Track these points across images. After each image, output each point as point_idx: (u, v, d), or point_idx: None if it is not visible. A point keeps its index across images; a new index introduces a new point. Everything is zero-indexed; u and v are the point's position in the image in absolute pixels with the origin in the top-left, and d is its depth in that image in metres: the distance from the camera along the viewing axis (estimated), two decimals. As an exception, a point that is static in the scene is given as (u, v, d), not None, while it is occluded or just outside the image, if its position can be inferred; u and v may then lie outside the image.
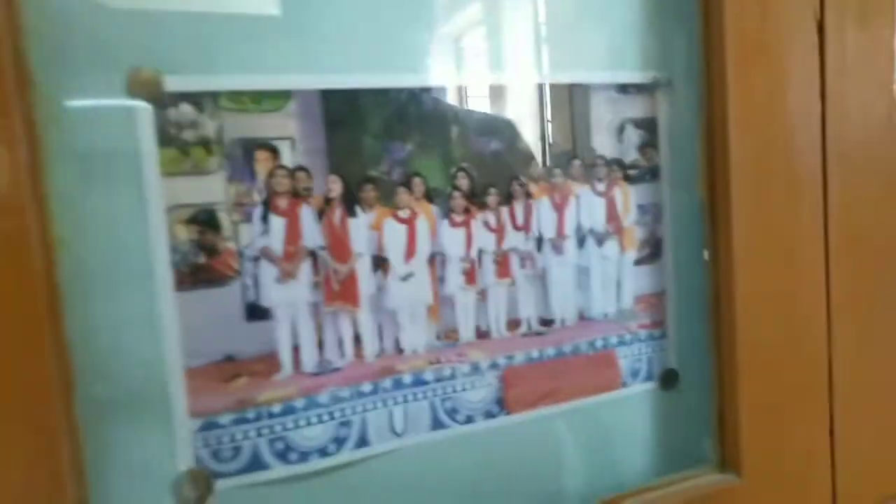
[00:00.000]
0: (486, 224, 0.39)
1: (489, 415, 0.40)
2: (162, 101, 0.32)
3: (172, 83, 0.32)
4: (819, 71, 0.42)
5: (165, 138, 0.32)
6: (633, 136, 0.43)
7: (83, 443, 0.31)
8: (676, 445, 0.45)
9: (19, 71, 0.28)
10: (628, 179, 0.43)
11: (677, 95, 0.43)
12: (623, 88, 0.42)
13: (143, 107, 0.31)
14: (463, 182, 0.38)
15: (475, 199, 0.39)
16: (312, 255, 0.36)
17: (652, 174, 0.44)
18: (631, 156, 0.43)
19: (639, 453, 0.45)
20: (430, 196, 0.38)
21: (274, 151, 0.34)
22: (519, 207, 0.40)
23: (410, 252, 0.37)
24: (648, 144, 0.43)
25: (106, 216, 0.31)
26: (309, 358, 0.36)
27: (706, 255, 0.42)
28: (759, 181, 0.40)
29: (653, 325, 0.45)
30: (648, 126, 0.43)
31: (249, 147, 0.34)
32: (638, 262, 0.44)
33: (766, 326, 0.42)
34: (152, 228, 0.32)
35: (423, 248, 0.38)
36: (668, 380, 0.45)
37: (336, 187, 0.36)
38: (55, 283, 0.29)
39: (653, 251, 0.44)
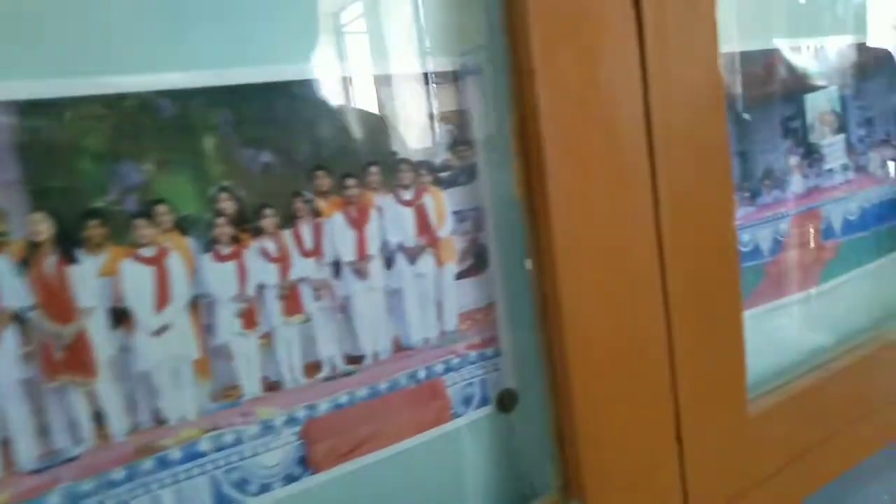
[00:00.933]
0: (265, 253, 0.32)
1: (290, 479, 0.33)
2: None
3: None
4: (638, 51, 0.38)
5: None
6: (443, 132, 0.37)
7: None
8: (522, 472, 0.41)
9: None
10: (440, 183, 0.37)
11: (488, 84, 0.37)
12: (427, 79, 0.36)
13: None
14: (227, 205, 0.31)
15: (246, 224, 0.31)
16: (18, 318, 0.27)
17: (468, 175, 0.38)
18: (441, 156, 0.37)
19: (481, 487, 0.40)
20: (182, 226, 0.30)
21: (-62, 189, 0.25)
22: (306, 229, 0.33)
23: (162, 299, 0.30)
24: (461, 142, 0.38)
25: None
26: (27, 452, 0.27)
27: (528, 263, 0.37)
28: (578, 176, 0.36)
29: (483, 343, 0.39)
30: (460, 121, 0.37)
31: None
32: (460, 276, 0.38)
33: (599, 333, 0.38)
34: None
35: (181, 291, 0.30)
36: (507, 401, 0.40)
37: (44, 228, 0.27)
38: None
39: (476, 262, 0.39)
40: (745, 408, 0.45)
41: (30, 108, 0.27)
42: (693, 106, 0.40)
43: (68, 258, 0.28)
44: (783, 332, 0.54)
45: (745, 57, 0.50)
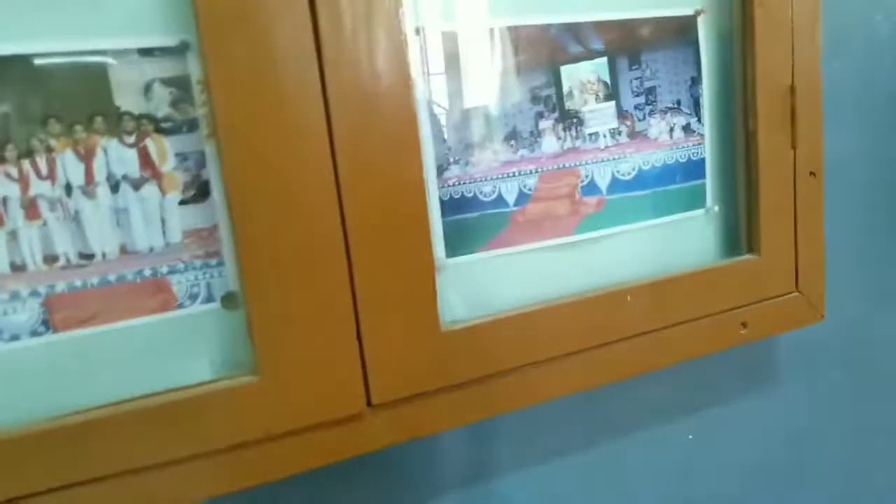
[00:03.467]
0: (8, 175, 0.47)
1: (35, 333, 0.49)
2: None
3: None
4: (313, 33, 0.48)
5: None
6: (164, 93, 0.50)
7: None
8: (240, 356, 0.54)
9: None
10: (162, 132, 0.50)
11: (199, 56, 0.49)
12: (148, 52, 0.49)
13: None
14: (-22, 141, 0.46)
15: (-7, 154, 0.46)
16: None
17: (189, 126, 0.51)
18: (164, 111, 0.50)
19: (200, 362, 0.53)
20: (-57, 154, 0.45)
21: None
22: (41, 160, 0.47)
23: (-70, 202, 0.45)
24: (182, 100, 0.50)
25: None
26: None
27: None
28: (248, 130, 0.48)
29: (207, 255, 0.52)
30: (181, 84, 0.50)
31: None
32: (183, 203, 0.51)
33: (278, 244, 0.50)
34: None
35: (-56, 197, 0.45)
36: (230, 301, 0.53)
37: None
38: None
39: (199, 192, 0.52)
40: (436, 322, 0.55)
41: None
42: (374, 77, 0.50)
43: None
44: (530, 272, 0.63)
45: (502, 33, 0.59)
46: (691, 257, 0.69)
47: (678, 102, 0.67)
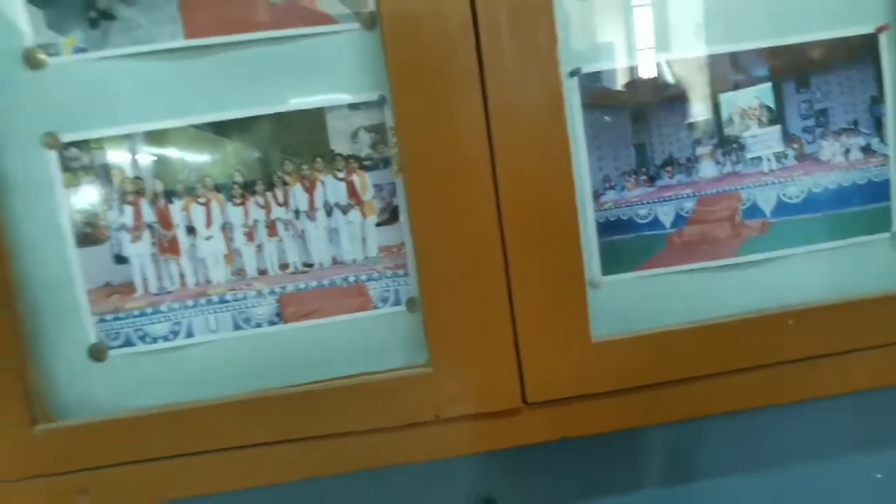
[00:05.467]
0: (258, 204, 0.63)
1: (272, 323, 0.64)
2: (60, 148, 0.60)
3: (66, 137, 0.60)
4: (479, 82, 0.58)
5: (64, 167, 0.61)
6: (367, 138, 0.63)
7: (33, 330, 0.61)
8: (419, 351, 0.65)
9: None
10: (364, 168, 0.63)
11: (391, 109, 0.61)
12: (355, 106, 0.62)
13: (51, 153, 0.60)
14: (239, 179, 0.62)
15: (248, 188, 0.62)
16: (150, 227, 0.62)
17: (384, 164, 0.63)
18: (365, 152, 0.63)
19: (389, 354, 0.65)
20: (217, 188, 0.62)
21: (121, 169, 0.61)
22: (279, 192, 0.63)
23: (209, 223, 0.63)
24: (379, 143, 0.63)
25: (39, 211, 0.61)
26: (153, 285, 0.63)
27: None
28: (425, 168, 0.58)
29: (396, 267, 0.64)
30: (379, 130, 0.62)
31: (107, 169, 0.61)
32: (379, 224, 0.64)
33: (448, 268, 0.60)
34: (62, 215, 0.61)
35: (217, 220, 0.63)
36: (412, 305, 0.65)
37: (160, 186, 0.62)
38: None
39: (391, 216, 0.64)
40: (586, 334, 0.61)
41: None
42: (533, 116, 0.58)
43: (169, 201, 0.62)
44: (688, 291, 0.65)
45: (659, 66, 0.63)
46: (873, 282, 0.66)
47: (855, 123, 0.65)
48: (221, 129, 0.61)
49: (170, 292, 0.63)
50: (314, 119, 0.62)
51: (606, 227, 0.64)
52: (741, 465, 0.73)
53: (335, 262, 0.64)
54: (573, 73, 0.62)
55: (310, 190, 0.63)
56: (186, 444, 0.61)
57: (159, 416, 0.61)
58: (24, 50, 0.59)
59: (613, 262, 0.64)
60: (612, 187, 0.64)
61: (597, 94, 0.63)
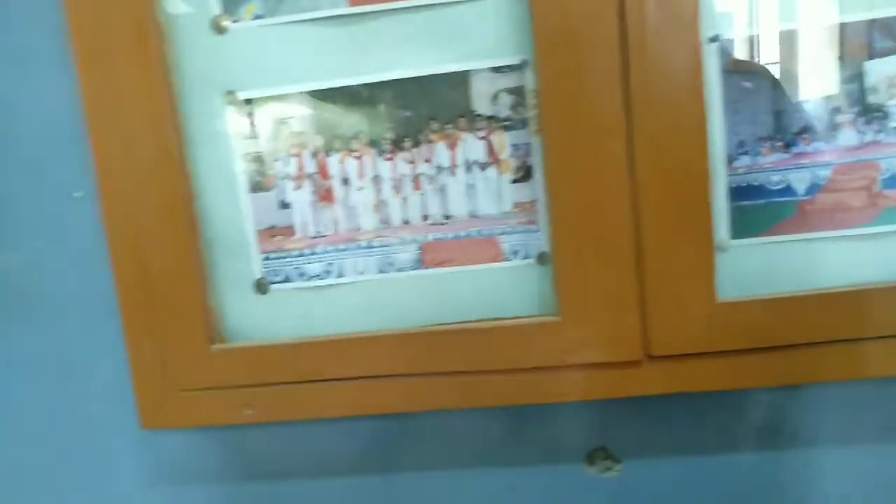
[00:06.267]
0: (405, 160, 0.69)
1: (413, 268, 0.71)
2: (238, 105, 0.69)
3: (243, 95, 0.68)
4: (619, 42, 0.60)
5: (241, 122, 0.69)
6: (507, 100, 0.67)
7: (211, 265, 0.71)
8: (548, 300, 0.69)
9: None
10: (503, 129, 0.67)
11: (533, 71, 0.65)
12: (498, 69, 0.66)
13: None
14: (390, 136, 0.68)
15: (397, 145, 0.68)
16: (310, 177, 0.70)
17: (522, 124, 0.67)
18: (505, 113, 0.67)
19: (517, 303, 0.70)
20: (370, 144, 0.69)
21: (288, 125, 0.69)
22: (425, 149, 0.68)
23: (361, 175, 0.69)
24: (518, 105, 0.67)
25: (219, 161, 0.70)
26: (310, 229, 0.71)
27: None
28: (566, 128, 0.62)
29: (528, 222, 0.69)
30: (519, 92, 0.67)
31: (277, 124, 0.69)
32: (514, 182, 0.68)
33: (579, 220, 0.64)
34: (238, 165, 0.70)
35: (369, 173, 0.69)
36: (542, 259, 0.69)
37: (320, 140, 0.69)
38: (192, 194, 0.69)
39: (525, 174, 0.68)
40: (712, 294, 0.63)
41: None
42: (673, 79, 0.60)
43: (327, 154, 0.69)
44: (817, 258, 0.66)
45: (800, 33, 0.63)
46: None
47: None
48: (376, 90, 0.67)
49: (324, 236, 0.71)
50: (459, 82, 0.67)
51: (738, 192, 0.66)
52: (856, 436, 0.74)
53: (472, 215, 0.69)
54: (713, 40, 0.63)
55: (452, 147, 0.68)
56: (336, 370, 0.69)
57: (313, 344, 0.69)
58: (212, 17, 0.67)
59: (743, 226, 0.66)
60: (746, 153, 0.65)
61: (735, 60, 0.64)
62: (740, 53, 0.64)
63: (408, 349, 0.68)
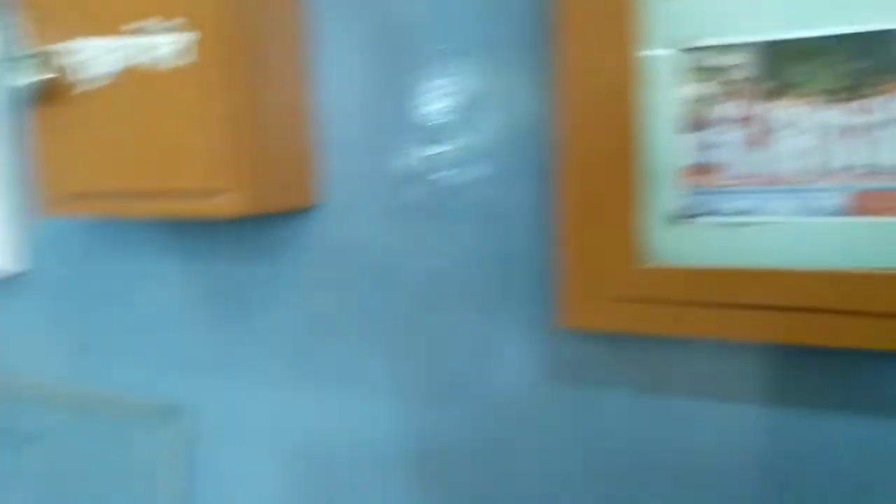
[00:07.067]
0: (844, 109, 0.74)
1: (833, 214, 0.75)
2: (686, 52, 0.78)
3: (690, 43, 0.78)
4: None
5: (686, 68, 0.78)
6: (963, 60, 0.71)
7: (644, 195, 0.80)
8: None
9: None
10: (955, 87, 0.71)
11: None
12: None
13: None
14: (834, 85, 0.74)
15: (842, 93, 0.74)
16: (744, 119, 0.77)
17: (976, 83, 0.71)
18: (959, 72, 0.71)
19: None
20: (814, 92, 0.75)
21: (729, 72, 0.77)
22: (869, 101, 0.74)
23: (799, 122, 0.76)
24: (975, 65, 0.71)
25: (661, 102, 0.79)
26: (739, 169, 0.78)
27: None
28: None
29: (968, 178, 0.72)
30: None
31: (719, 70, 0.77)
32: (959, 138, 0.72)
33: None
34: (678, 107, 0.79)
35: (807, 121, 0.75)
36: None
37: (762, 87, 0.76)
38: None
39: (972, 132, 0.71)
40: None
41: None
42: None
43: (767, 101, 0.76)
44: None
45: None
46: None
47: None
48: (825, 42, 0.74)
49: (752, 176, 0.78)
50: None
51: None
52: None
53: (910, 167, 0.73)
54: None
55: (901, 100, 0.73)
56: (754, 297, 0.75)
57: (732, 271, 0.76)
58: (686, -26, 0.77)
59: None
60: None
61: None
62: None
63: (835, 287, 0.72)
